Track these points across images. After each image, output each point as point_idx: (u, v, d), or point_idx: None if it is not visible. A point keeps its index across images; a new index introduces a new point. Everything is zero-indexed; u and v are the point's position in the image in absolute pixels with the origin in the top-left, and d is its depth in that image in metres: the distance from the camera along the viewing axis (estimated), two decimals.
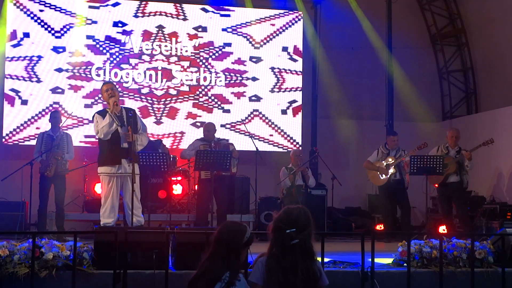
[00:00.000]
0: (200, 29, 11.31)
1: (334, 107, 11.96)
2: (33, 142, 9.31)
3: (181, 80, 11.15)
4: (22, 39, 10.52)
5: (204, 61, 11.27)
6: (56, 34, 10.64)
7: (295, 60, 11.64)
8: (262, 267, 3.42)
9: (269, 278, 3.37)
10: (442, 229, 8.82)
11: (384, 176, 9.35)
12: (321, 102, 11.83)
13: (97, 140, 7.09)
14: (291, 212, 3.50)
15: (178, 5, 11.31)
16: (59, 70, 10.62)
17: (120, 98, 7.18)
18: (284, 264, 3.36)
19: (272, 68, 11.54)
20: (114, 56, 10.87)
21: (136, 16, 11.08)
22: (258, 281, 3.42)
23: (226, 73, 11.32)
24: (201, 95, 11.20)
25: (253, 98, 11.43)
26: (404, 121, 11.86)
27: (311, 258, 3.46)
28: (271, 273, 3.37)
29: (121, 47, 10.92)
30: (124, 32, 10.97)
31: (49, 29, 10.63)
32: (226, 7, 11.48)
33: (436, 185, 9.26)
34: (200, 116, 11.14)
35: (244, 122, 11.15)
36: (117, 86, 7.60)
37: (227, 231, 3.52)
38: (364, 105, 12.31)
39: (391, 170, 9.30)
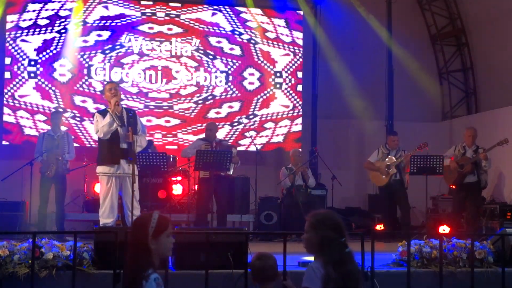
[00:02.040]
0: (200, 29, 11.32)
1: (334, 107, 11.96)
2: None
3: (181, 80, 11.16)
4: None
5: (204, 61, 11.28)
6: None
7: (295, 60, 11.65)
8: (318, 273, 3.26)
9: (327, 284, 3.26)
10: (442, 229, 8.81)
11: (384, 176, 9.35)
12: (321, 102, 11.83)
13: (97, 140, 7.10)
14: (333, 217, 3.44)
15: (178, 5, 11.32)
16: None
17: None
18: (344, 271, 3.29)
19: (272, 68, 11.55)
20: (114, 56, 10.90)
21: (135, 15, 11.10)
22: (316, 287, 3.28)
23: (226, 73, 11.34)
24: (201, 95, 11.22)
25: (253, 98, 11.45)
26: (404, 121, 11.84)
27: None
28: (330, 281, 3.26)
29: (121, 47, 10.93)
30: (124, 32, 11.00)
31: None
32: (226, 7, 11.48)
33: (453, 186, 9.23)
34: (198, 116, 11.18)
35: (244, 122, 11.15)
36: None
37: (131, 229, 3.26)
38: (364, 105, 12.30)
39: (392, 170, 9.29)
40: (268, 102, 11.49)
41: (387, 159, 9.36)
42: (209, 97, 11.27)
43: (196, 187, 9.26)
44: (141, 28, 11.07)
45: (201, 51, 11.27)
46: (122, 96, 7.55)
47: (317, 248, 3.33)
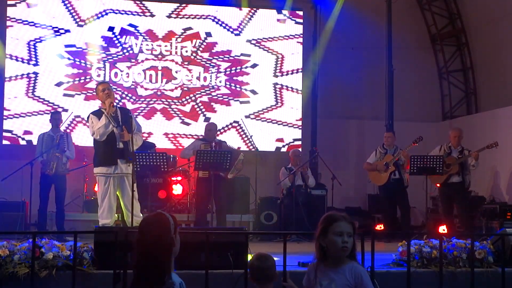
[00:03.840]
0: (199, 29, 11.33)
1: (334, 107, 11.95)
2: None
3: (181, 80, 11.17)
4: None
5: (204, 61, 11.28)
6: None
7: (295, 60, 11.65)
8: None
9: None
10: (442, 229, 8.81)
11: (384, 173, 9.35)
12: (321, 102, 11.83)
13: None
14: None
15: (177, 4, 11.33)
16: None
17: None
18: None
19: (272, 68, 11.55)
20: (114, 56, 10.91)
21: (136, 15, 11.11)
22: None
23: (226, 73, 11.35)
24: (200, 95, 11.23)
25: (253, 98, 11.46)
26: (404, 121, 11.84)
27: None
28: None
29: (121, 47, 10.94)
30: (124, 32, 11.00)
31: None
32: (225, 7, 11.48)
33: (438, 185, 9.26)
34: (197, 117, 11.19)
35: (244, 121, 11.15)
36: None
37: (150, 230, 3.04)
38: (364, 105, 12.31)
39: (391, 168, 9.29)
40: (268, 103, 11.51)
41: (385, 158, 9.37)
42: (209, 97, 11.27)
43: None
44: (141, 28, 11.08)
45: (201, 51, 11.27)
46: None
47: (351, 252, 3.38)
